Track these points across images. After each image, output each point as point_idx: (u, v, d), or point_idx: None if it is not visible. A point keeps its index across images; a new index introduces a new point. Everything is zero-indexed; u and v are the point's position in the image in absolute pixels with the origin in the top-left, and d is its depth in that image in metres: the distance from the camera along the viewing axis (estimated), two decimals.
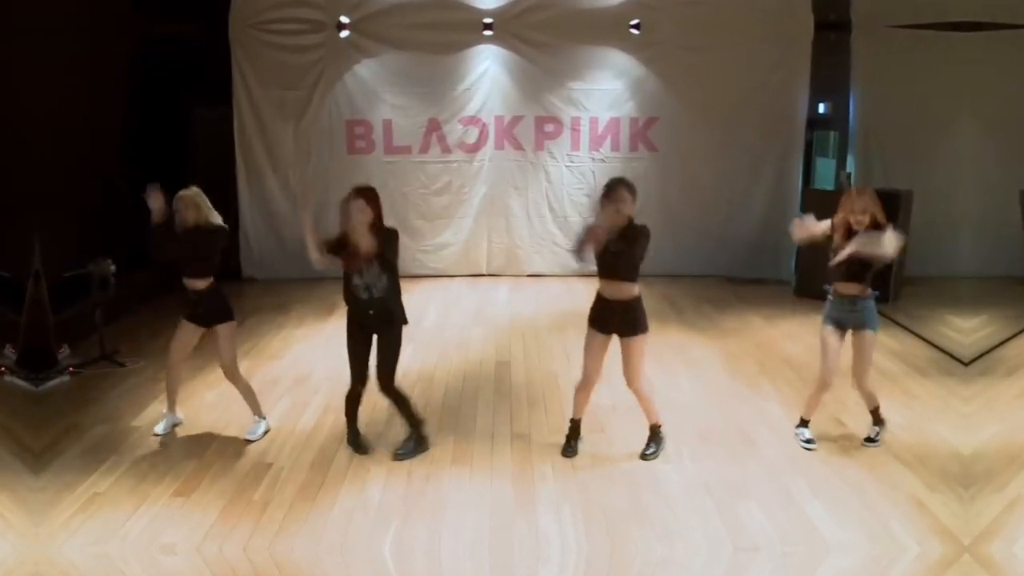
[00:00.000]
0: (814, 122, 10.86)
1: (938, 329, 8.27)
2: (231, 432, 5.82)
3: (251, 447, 5.58)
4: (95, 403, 6.38)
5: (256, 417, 5.83)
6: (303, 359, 7.48)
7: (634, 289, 5.16)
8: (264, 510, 4.73)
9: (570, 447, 5.47)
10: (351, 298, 5.20)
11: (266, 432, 5.79)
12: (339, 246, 5.06)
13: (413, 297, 9.75)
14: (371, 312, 5.17)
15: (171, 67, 10.41)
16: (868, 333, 5.43)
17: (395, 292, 5.22)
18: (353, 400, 5.47)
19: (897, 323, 8.57)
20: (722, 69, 10.50)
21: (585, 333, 5.36)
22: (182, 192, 5.44)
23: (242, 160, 10.67)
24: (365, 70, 10.66)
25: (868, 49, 10.48)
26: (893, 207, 9.30)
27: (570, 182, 10.95)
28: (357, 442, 5.52)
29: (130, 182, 9.86)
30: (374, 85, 10.69)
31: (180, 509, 4.74)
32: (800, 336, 8.17)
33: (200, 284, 5.59)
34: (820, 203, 9.69)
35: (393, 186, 10.74)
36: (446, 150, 10.86)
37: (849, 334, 5.47)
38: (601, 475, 5.17)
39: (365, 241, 4.96)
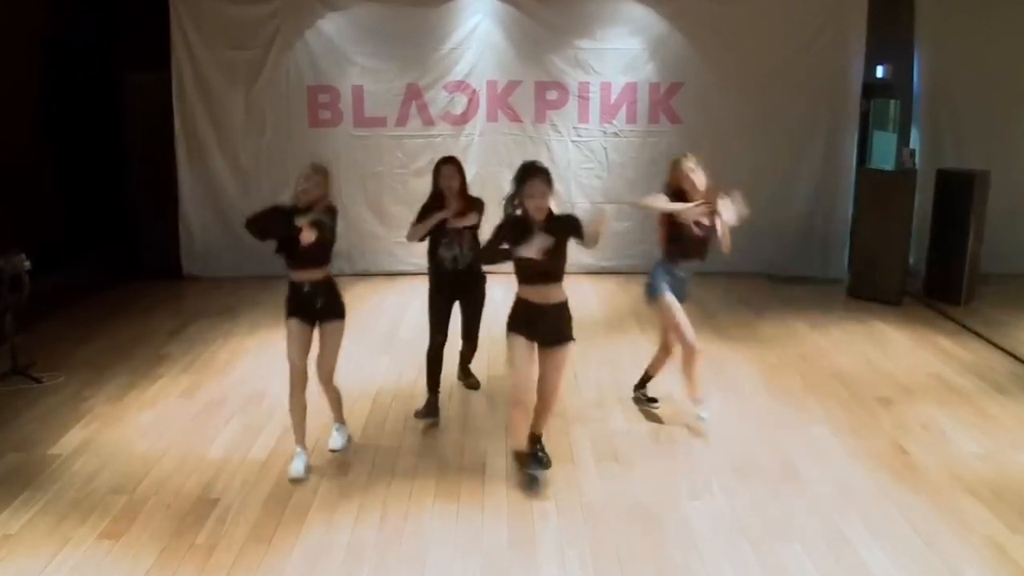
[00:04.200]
0: (871, 89, 10.87)
1: (1020, 338, 8.29)
2: (169, 461, 5.81)
3: (192, 480, 5.57)
4: (5, 426, 6.36)
5: (338, 424, 6.17)
6: (255, 374, 7.47)
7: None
8: (210, 554, 4.72)
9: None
10: (437, 268, 6.50)
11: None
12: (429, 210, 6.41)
13: (388, 299, 9.81)
14: (459, 279, 6.50)
15: (97, 23, 10.39)
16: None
17: (478, 257, 6.42)
18: (436, 357, 6.59)
19: (970, 330, 8.59)
20: (760, 25, 10.53)
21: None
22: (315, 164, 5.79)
23: (182, 134, 10.66)
24: (331, 26, 10.66)
25: (935, 1, 10.50)
26: (966, 190, 9.39)
27: (577, 160, 10.97)
28: (433, 409, 6.56)
29: (47, 160, 9.90)
30: (342, 44, 10.69)
31: (108, 554, 4.73)
32: (853, 345, 8.19)
33: (317, 275, 5.72)
34: (878, 185, 9.79)
35: (364, 164, 10.75)
36: (428, 122, 10.86)
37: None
38: (614, 513, 5.18)
39: (461, 204, 6.37)
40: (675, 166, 6.28)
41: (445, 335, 6.65)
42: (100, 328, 8.66)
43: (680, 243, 6.19)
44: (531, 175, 5.25)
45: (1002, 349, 8.07)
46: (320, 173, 5.68)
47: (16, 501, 5.25)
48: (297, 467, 5.64)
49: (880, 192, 9.70)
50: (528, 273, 5.32)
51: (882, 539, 4.86)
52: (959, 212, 9.49)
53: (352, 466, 5.74)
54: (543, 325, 5.35)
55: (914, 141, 10.66)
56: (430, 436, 6.22)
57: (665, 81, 10.86)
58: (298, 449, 5.73)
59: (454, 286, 6.56)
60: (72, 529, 4.96)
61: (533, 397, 5.47)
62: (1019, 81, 10.42)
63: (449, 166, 6.52)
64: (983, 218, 9.54)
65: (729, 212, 6.07)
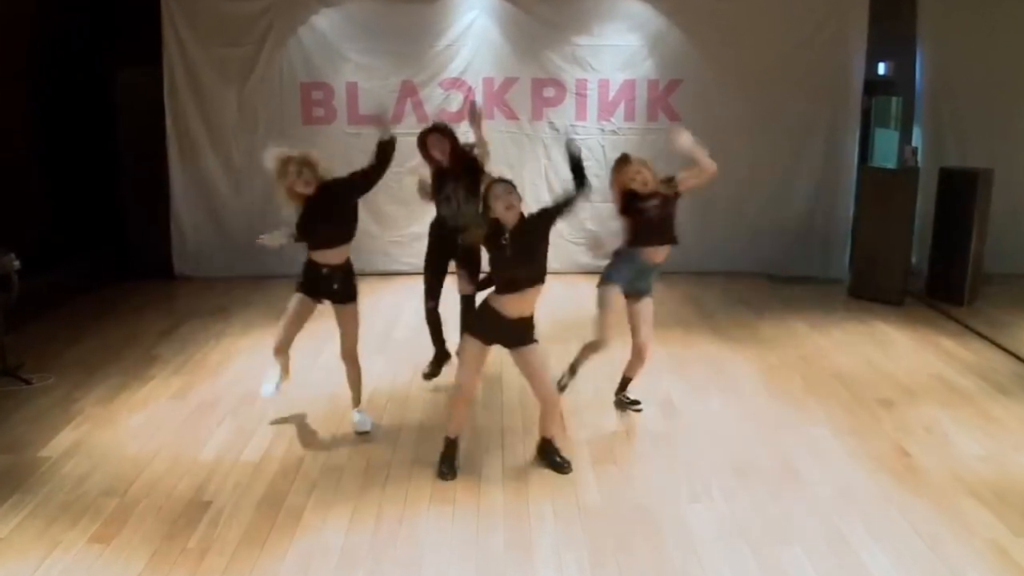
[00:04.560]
0: (873, 86, 10.87)
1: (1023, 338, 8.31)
2: (161, 463, 5.81)
3: (184, 482, 5.57)
4: None
5: (357, 409, 6.37)
6: (248, 376, 7.44)
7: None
8: (202, 558, 4.72)
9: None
10: (439, 228, 6.81)
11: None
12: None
13: (384, 299, 9.80)
14: (456, 240, 6.31)
15: (88, 19, 10.38)
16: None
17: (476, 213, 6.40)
18: (433, 318, 7.04)
19: (972, 330, 8.60)
20: (760, 21, 10.54)
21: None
22: (286, 154, 5.85)
23: (174, 132, 10.66)
24: (324, 22, 10.66)
25: None
26: (969, 189, 9.40)
27: None
28: (440, 359, 7.13)
29: (37, 158, 9.89)
30: (335, 41, 10.68)
31: (99, 558, 4.73)
32: (854, 346, 8.20)
33: (338, 258, 5.96)
34: (880, 183, 9.80)
35: (358, 162, 10.51)
36: (423, 119, 10.81)
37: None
38: (613, 517, 5.18)
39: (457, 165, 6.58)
40: (620, 170, 6.24)
41: (437, 301, 7.06)
42: (91, 329, 8.65)
43: (641, 231, 6.19)
44: (491, 185, 5.32)
45: (1005, 350, 8.08)
46: (308, 168, 5.84)
47: (5, 504, 5.25)
48: (267, 387, 6.28)
49: (882, 191, 9.70)
50: (512, 280, 5.33)
51: (883, 541, 4.86)
52: (962, 211, 9.49)
53: (346, 468, 5.74)
54: (504, 334, 5.46)
55: (916, 139, 10.66)
56: (426, 438, 6.21)
57: (664, 78, 10.85)
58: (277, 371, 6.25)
59: (452, 246, 6.53)
60: (62, 532, 4.96)
61: (475, 396, 5.97)
62: (1022, 79, 10.42)
63: (433, 134, 6.54)
64: (986, 217, 9.54)
65: (685, 140, 6.37)
